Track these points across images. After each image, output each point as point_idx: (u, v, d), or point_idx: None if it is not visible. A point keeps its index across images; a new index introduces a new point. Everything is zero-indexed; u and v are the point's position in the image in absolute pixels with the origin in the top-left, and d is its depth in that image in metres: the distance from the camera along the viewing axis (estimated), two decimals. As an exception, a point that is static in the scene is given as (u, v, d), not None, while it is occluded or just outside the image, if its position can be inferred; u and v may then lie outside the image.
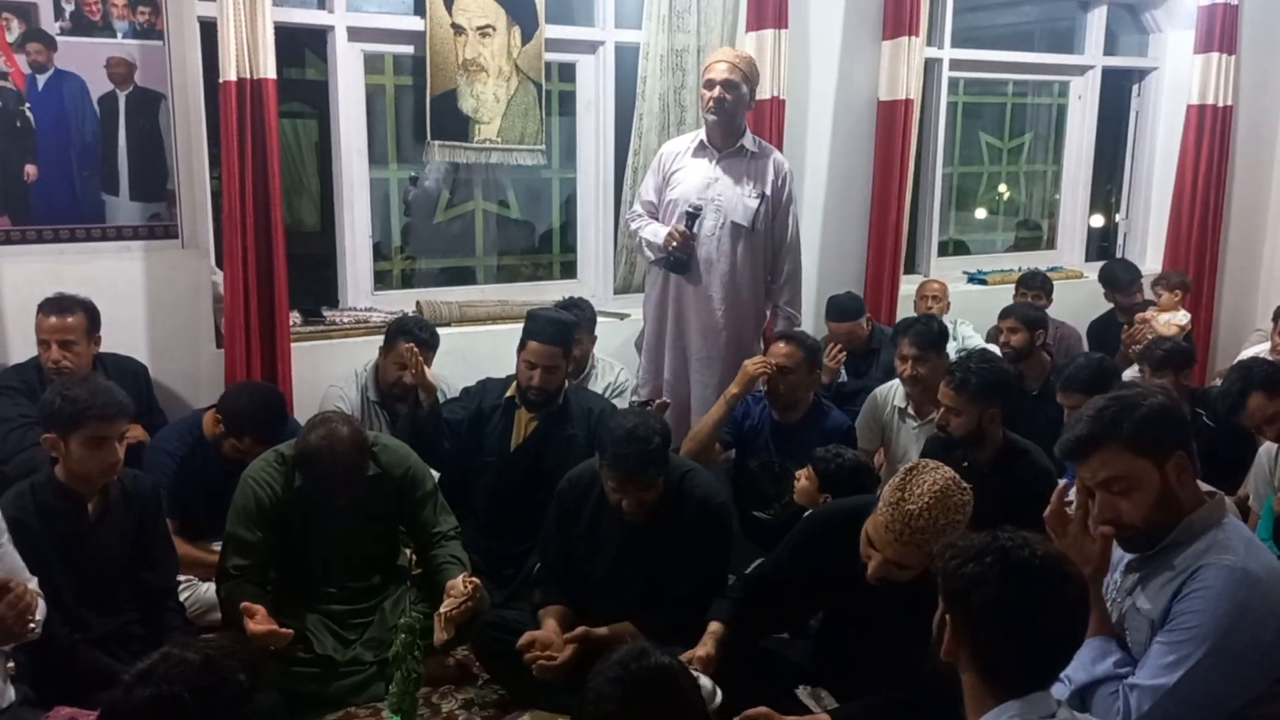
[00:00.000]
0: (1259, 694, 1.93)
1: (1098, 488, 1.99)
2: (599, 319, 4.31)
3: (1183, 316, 5.39)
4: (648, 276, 4.23)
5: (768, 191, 4.03)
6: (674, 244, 3.89)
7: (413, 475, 3.27)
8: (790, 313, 4.18)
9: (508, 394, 3.79)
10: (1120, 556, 2.10)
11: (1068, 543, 2.00)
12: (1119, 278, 5.55)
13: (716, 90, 3.92)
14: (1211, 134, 5.99)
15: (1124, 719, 1.90)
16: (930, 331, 3.87)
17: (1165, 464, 1.96)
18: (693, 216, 3.89)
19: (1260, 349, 4.58)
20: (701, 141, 4.07)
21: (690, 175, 4.03)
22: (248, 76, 3.78)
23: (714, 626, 2.77)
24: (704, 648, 2.69)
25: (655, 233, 4.01)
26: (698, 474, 3.16)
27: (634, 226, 4.13)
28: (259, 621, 2.80)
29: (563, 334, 3.71)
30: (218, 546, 3.45)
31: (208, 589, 3.37)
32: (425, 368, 3.75)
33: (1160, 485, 1.96)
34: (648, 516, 3.01)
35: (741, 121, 4.04)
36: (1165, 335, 5.07)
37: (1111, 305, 5.59)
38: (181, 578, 3.19)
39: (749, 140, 4.07)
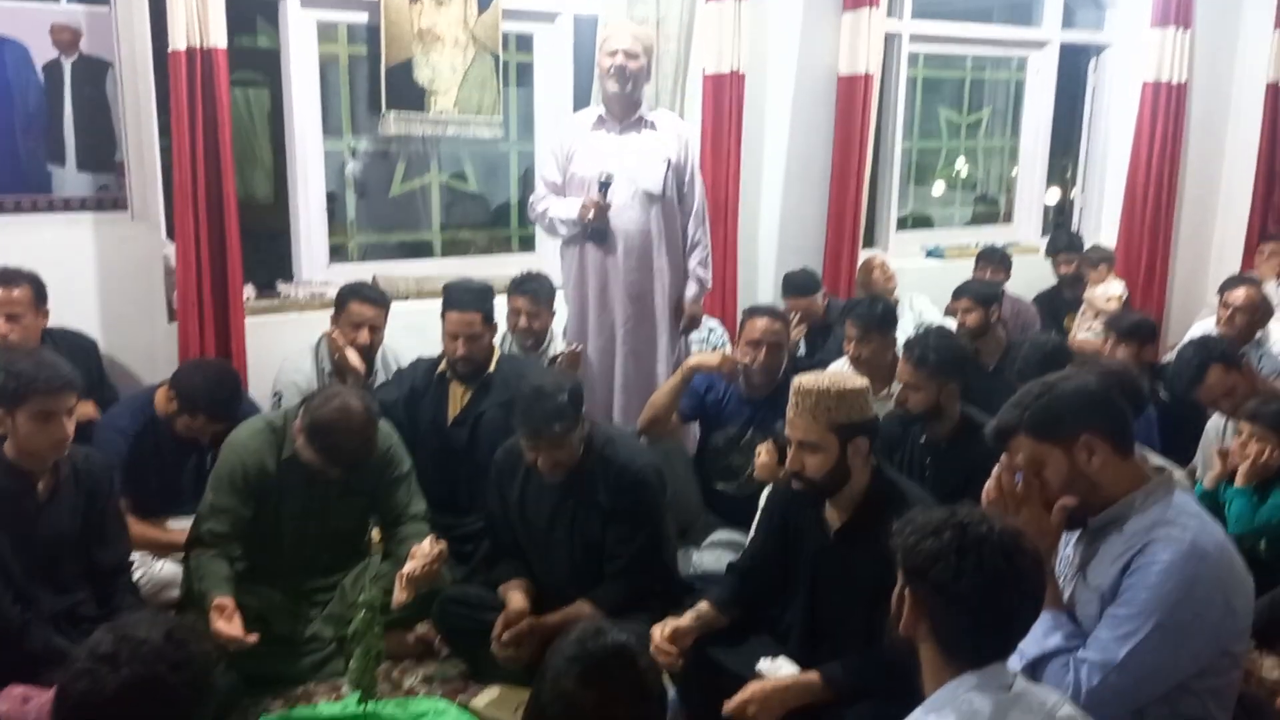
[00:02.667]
0: (1205, 666, 1.97)
1: (1020, 471, 2.09)
2: (558, 293, 4.28)
3: (1116, 286, 5.50)
4: (562, 257, 4.19)
5: (672, 158, 4.01)
6: (590, 214, 3.88)
7: (393, 454, 3.28)
8: (701, 275, 4.16)
9: (439, 370, 3.79)
10: (1070, 533, 2.14)
11: (1023, 518, 2.02)
12: (1053, 244, 5.85)
13: (619, 58, 3.88)
14: (1166, 110, 6.05)
15: (1074, 692, 1.93)
16: (874, 314, 3.89)
17: (1071, 447, 2.02)
18: (605, 185, 3.88)
19: (1210, 324, 4.66)
20: (600, 116, 4.04)
21: (593, 150, 4.00)
22: (198, 45, 3.70)
23: (701, 606, 2.79)
24: (674, 622, 2.71)
25: (568, 207, 3.99)
26: (620, 441, 3.18)
27: (540, 207, 4.09)
28: (227, 619, 2.77)
29: (479, 299, 3.71)
30: (172, 525, 3.43)
31: (161, 567, 3.34)
32: (351, 351, 3.75)
33: (1068, 467, 2.03)
34: (570, 481, 3.04)
35: (640, 93, 4.01)
36: (1105, 311, 5.19)
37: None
38: (135, 556, 3.14)
39: (645, 110, 4.04)
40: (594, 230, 3.94)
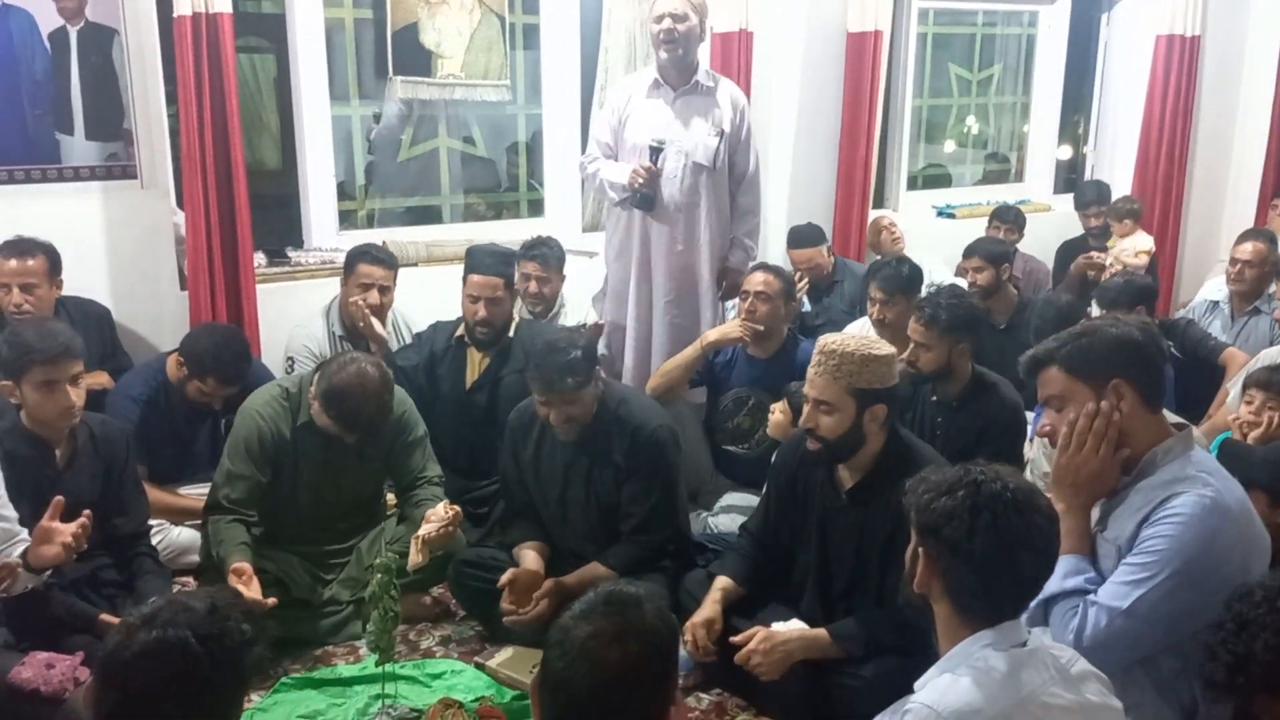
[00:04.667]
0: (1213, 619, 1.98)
1: (1045, 404, 2.12)
2: (568, 257, 4.27)
3: (1144, 240, 5.42)
4: (608, 220, 4.17)
5: (726, 128, 3.94)
6: (640, 180, 3.84)
7: (407, 419, 3.29)
8: (748, 244, 4.12)
9: (457, 334, 3.80)
10: None
11: (1100, 457, 2.02)
12: (1081, 196, 5.73)
13: (666, 22, 3.79)
14: (1179, 64, 5.98)
15: (1077, 634, 1.95)
16: (900, 276, 3.86)
17: (1101, 389, 2.02)
18: (656, 151, 3.83)
19: (1222, 280, 4.63)
20: (656, 80, 3.96)
21: (647, 116, 3.93)
22: (203, 10, 3.68)
23: (719, 582, 2.82)
24: (704, 611, 2.74)
25: (618, 172, 3.93)
26: (634, 401, 3.19)
27: (591, 169, 4.03)
28: (245, 583, 2.80)
29: (502, 264, 3.73)
30: (186, 491, 3.46)
31: (179, 533, 3.38)
32: (374, 319, 3.75)
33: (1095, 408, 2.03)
34: (584, 440, 3.06)
35: (694, 56, 3.93)
36: (1133, 265, 5.13)
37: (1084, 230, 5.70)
38: (152, 522, 3.17)
39: (703, 75, 3.97)
40: (643, 197, 3.88)
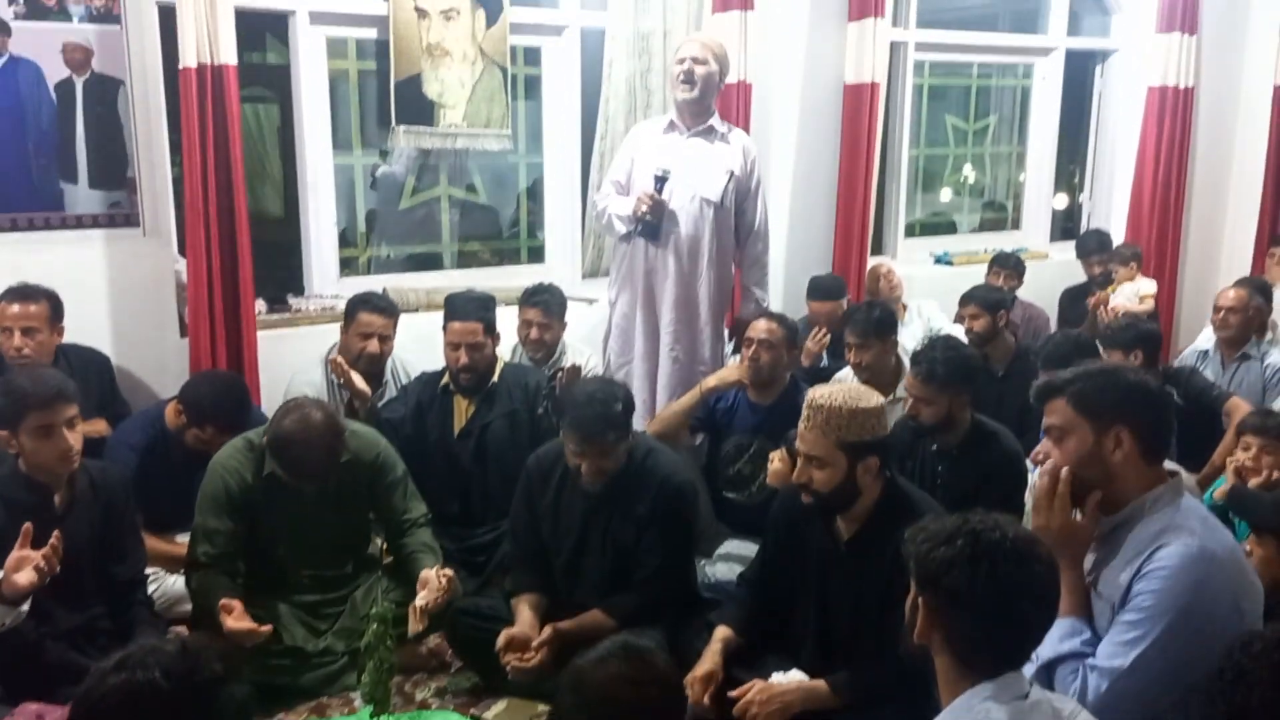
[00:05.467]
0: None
1: (1046, 432, 2.13)
2: (569, 304, 4.29)
3: (1147, 285, 5.47)
4: (615, 255, 4.20)
5: (736, 170, 4.05)
6: (644, 208, 3.88)
7: (383, 461, 3.26)
8: (759, 294, 4.20)
9: (442, 383, 3.80)
10: None
11: (1055, 521, 2.04)
12: (1083, 245, 5.81)
13: (686, 64, 3.93)
14: (1173, 115, 6.04)
15: (1081, 697, 1.93)
16: (870, 319, 3.88)
17: (1104, 432, 2.03)
18: (661, 180, 3.89)
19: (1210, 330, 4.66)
20: (671, 121, 4.08)
21: (658, 150, 4.03)
22: (208, 62, 3.72)
23: (719, 633, 2.80)
24: (705, 664, 2.71)
25: (624, 204, 4.00)
26: (662, 452, 3.17)
27: (601, 205, 4.13)
28: (236, 618, 2.78)
29: (480, 309, 3.74)
30: (183, 539, 3.43)
31: (175, 581, 3.34)
32: (354, 374, 3.72)
33: (1091, 448, 2.04)
34: (609, 489, 3.03)
35: (710, 101, 4.06)
36: (1132, 310, 5.16)
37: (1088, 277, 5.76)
38: (149, 570, 3.16)
39: (718, 122, 4.09)
40: (646, 226, 3.93)
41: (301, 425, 2.96)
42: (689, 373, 4.07)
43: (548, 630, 2.94)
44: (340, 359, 3.75)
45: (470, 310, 3.72)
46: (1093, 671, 1.95)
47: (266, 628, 2.76)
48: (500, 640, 2.92)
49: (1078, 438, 2.05)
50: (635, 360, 4.13)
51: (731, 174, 4.02)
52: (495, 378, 3.78)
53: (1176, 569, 1.92)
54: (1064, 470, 2.06)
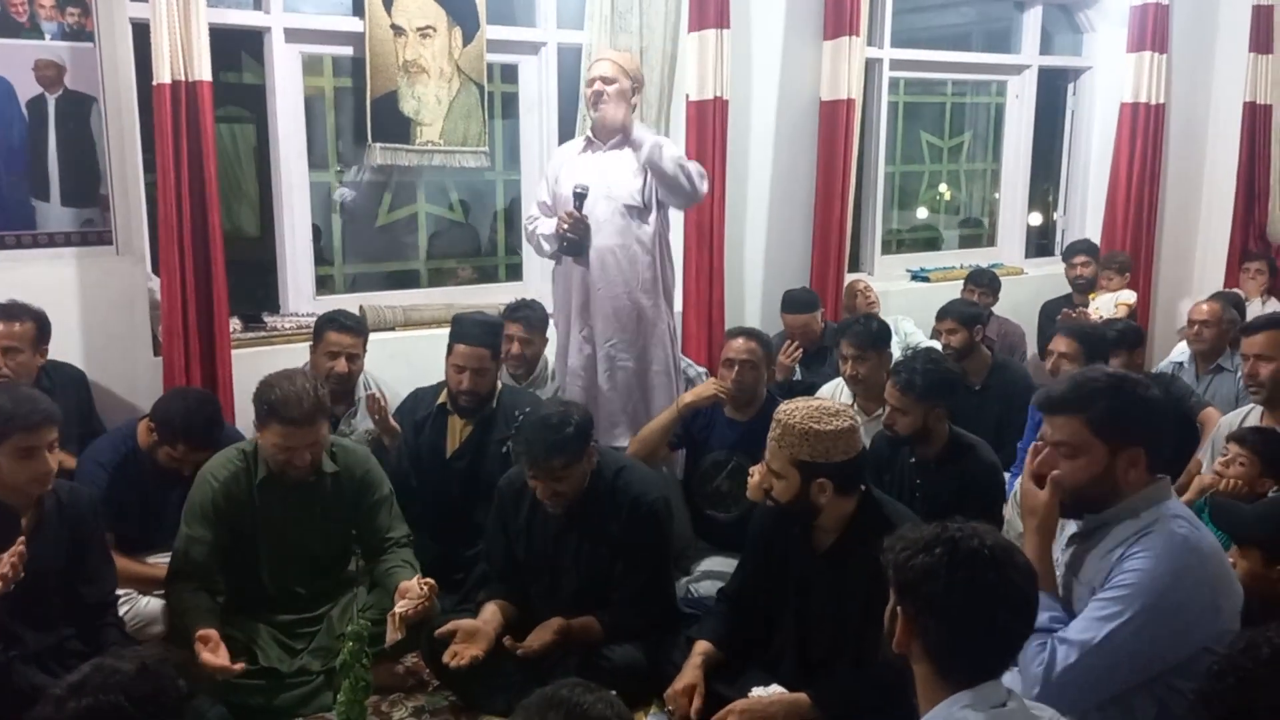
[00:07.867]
0: (1184, 663, 1.96)
1: (1051, 444, 2.11)
2: (549, 321, 4.28)
3: (1126, 294, 5.54)
4: (554, 276, 4.15)
5: (643, 158, 3.92)
6: (565, 225, 3.87)
7: (370, 478, 3.26)
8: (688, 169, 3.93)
9: (439, 401, 3.77)
10: (1062, 528, 2.17)
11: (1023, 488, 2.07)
12: (1071, 249, 5.90)
13: (597, 85, 3.91)
14: (1145, 131, 6.12)
15: (1046, 669, 1.95)
16: (869, 332, 3.90)
17: (1119, 453, 2.03)
18: (580, 196, 3.87)
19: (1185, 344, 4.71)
20: (588, 137, 4.06)
21: (575, 169, 3.98)
22: (182, 79, 3.71)
23: (699, 646, 2.80)
24: (685, 677, 2.71)
25: (549, 224, 4.00)
26: (633, 470, 3.16)
27: (530, 228, 4.12)
28: (212, 650, 2.75)
29: (489, 335, 3.71)
30: (154, 560, 3.39)
31: (148, 603, 3.29)
32: (388, 412, 3.67)
33: (1105, 467, 2.05)
34: (580, 509, 3.03)
35: (623, 115, 3.93)
36: (1113, 315, 5.23)
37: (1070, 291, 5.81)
38: (121, 591, 3.11)
39: (637, 130, 3.98)
40: (570, 244, 3.90)
41: (284, 374, 3.03)
42: (641, 379, 4.00)
43: (558, 621, 2.96)
44: (379, 394, 3.68)
45: (478, 335, 3.67)
46: (1062, 644, 1.97)
47: (239, 666, 2.74)
48: (447, 627, 2.91)
49: (1090, 459, 2.05)
50: (577, 371, 4.03)
51: (645, 171, 3.93)
52: (494, 402, 3.75)
53: (1160, 554, 1.94)
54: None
